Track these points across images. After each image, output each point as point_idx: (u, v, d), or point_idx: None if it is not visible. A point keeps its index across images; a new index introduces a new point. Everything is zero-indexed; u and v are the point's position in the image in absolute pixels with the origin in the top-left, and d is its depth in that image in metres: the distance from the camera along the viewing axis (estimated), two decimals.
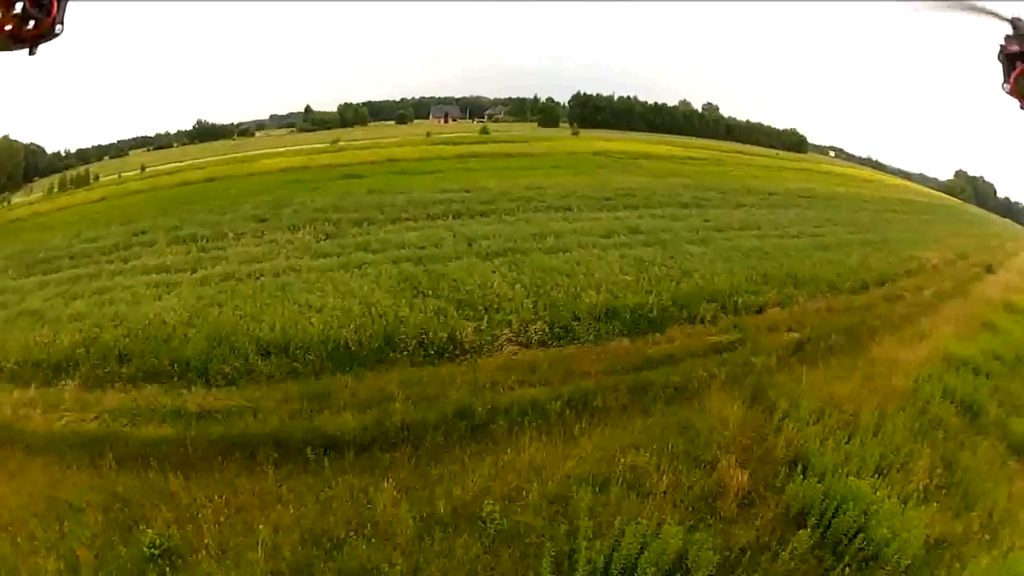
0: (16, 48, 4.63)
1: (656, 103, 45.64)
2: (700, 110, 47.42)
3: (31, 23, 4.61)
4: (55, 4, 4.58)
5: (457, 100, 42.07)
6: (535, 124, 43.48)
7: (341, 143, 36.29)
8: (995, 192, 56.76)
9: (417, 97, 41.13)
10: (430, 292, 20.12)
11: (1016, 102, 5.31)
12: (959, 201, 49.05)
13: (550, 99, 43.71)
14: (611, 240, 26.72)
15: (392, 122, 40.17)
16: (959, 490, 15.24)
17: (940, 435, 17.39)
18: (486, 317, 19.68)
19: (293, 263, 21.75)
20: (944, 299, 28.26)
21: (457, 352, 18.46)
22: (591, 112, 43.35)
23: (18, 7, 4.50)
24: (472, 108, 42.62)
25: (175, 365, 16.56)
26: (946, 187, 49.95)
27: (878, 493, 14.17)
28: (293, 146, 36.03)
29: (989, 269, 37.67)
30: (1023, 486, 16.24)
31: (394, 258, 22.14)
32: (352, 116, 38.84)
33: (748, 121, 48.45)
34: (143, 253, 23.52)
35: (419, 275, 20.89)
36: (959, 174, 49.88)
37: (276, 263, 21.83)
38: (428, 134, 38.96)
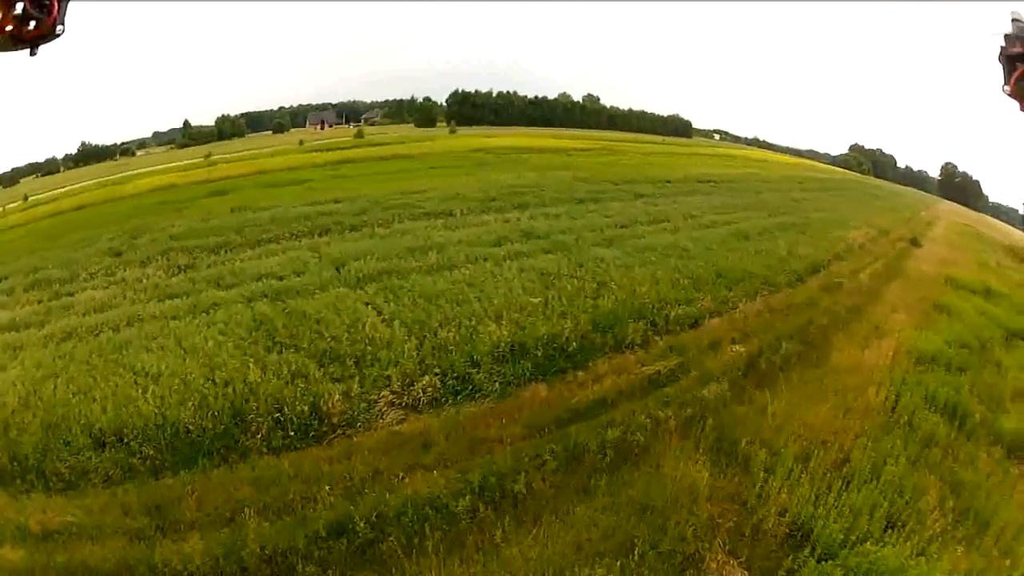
0: (17, 49, 4.80)
1: (537, 96, 47.90)
2: (581, 101, 49.95)
3: (32, 24, 4.74)
4: (55, 5, 4.72)
5: (334, 106, 44.14)
6: (412, 125, 44.79)
7: (214, 157, 36.70)
8: (895, 163, 62.40)
9: (295, 105, 43.07)
10: (288, 342, 17.12)
11: (1016, 104, 5.44)
12: (860, 175, 52.16)
13: (427, 99, 45.75)
14: (504, 249, 23.74)
15: (270, 132, 41.61)
16: (970, 515, 13.89)
17: (937, 455, 15.64)
18: (358, 375, 15.87)
19: (138, 310, 19.64)
20: (883, 281, 27.62)
21: (324, 429, 14.68)
22: (470, 109, 45.17)
23: (19, 8, 4.60)
24: (349, 113, 44.63)
25: (14, 463, 13.97)
26: (841, 161, 53.08)
27: (906, 561, 11.73)
28: (170, 163, 36.99)
29: (915, 242, 39.15)
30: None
31: (249, 295, 19.82)
32: (229, 128, 40.30)
33: (631, 109, 51.69)
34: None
35: (275, 318, 18.17)
36: (854, 148, 53.53)
37: (120, 311, 19.72)
38: (301, 142, 39.69)
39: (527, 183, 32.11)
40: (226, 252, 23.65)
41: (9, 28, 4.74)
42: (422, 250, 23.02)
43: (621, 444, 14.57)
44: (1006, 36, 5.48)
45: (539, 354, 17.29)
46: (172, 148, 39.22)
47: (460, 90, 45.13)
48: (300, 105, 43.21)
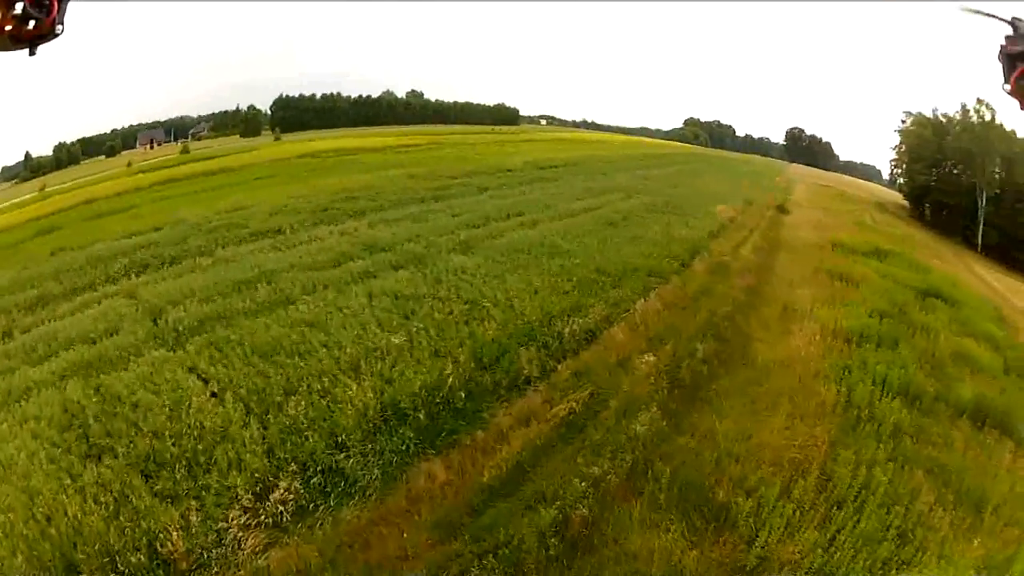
0: (16, 48, 4.93)
1: (360, 96, 50.06)
2: (405, 98, 52.57)
3: (31, 23, 4.82)
4: (55, 4, 4.82)
5: (163, 123, 44.79)
6: (238, 136, 45.91)
7: (48, 190, 36.40)
8: (734, 132, 66.51)
9: (127, 126, 43.28)
10: (103, 443, 12.83)
11: (1017, 103, 5.68)
12: (699, 147, 54.66)
13: (252, 107, 47.17)
14: (346, 270, 20.40)
15: (103, 157, 41.52)
16: (965, 500, 13.11)
17: (911, 445, 14.53)
18: (194, 489, 11.68)
19: None
20: (767, 255, 27.27)
21: None
22: (295, 115, 47.22)
23: (18, 7, 4.70)
24: (177, 130, 45.23)
25: None
26: (677, 135, 55.09)
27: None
28: (9, 200, 36.20)
29: (782, 209, 41.29)
30: (1005, 458, 15.09)
31: (61, 370, 15.66)
32: (66, 156, 40.29)
33: (455, 102, 53.62)
34: None
35: (88, 407, 13.88)
36: (689, 121, 55.94)
37: None
38: (129, 163, 39.68)
39: (359, 186, 30.29)
40: (43, 308, 20.50)
41: (8, 28, 4.71)
42: (250, 283, 19.61)
43: (563, 526, 11.33)
44: (1007, 35, 5.58)
45: (420, 416, 13.59)
46: (16, 183, 38.80)
47: (284, 95, 46.73)
48: (131, 126, 43.51)
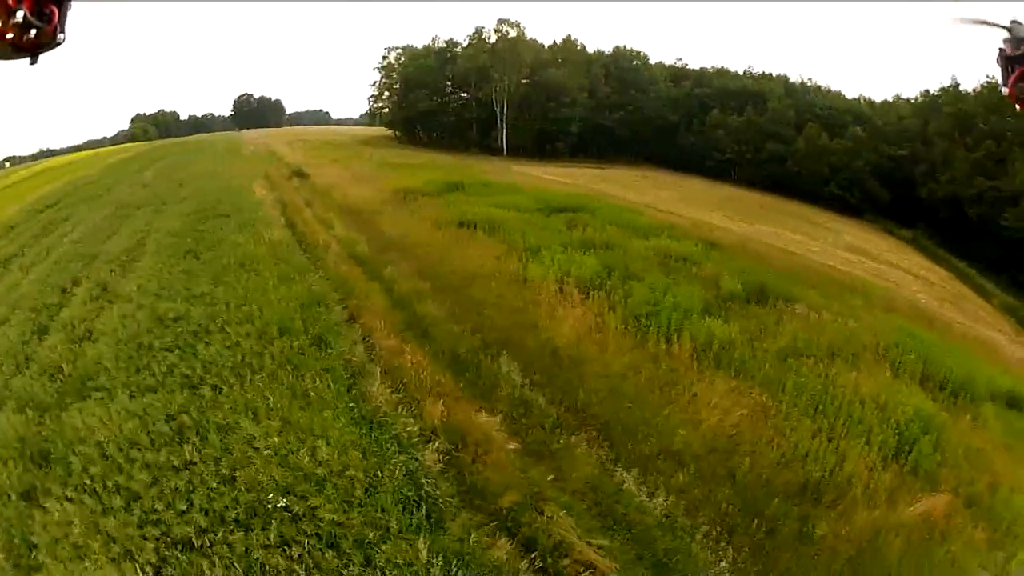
0: (18, 57, 4.78)
1: None
2: None
3: (32, 32, 4.65)
4: (56, 12, 4.65)
5: None
6: None
7: None
8: (178, 117, 58.90)
9: None
10: None
11: (1017, 106, 5.80)
12: (154, 141, 47.21)
13: None
14: None
15: None
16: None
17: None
18: None
19: None
20: (361, 226, 25.93)
21: None
22: None
23: (19, 15, 4.51)
24: None
25: None
26: (129, 136, 47.24)
27: None
28: None
29: (302, 174, 39.67)
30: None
31: None
32: None
33: None
34: None
35: None
36: (137, 118, 48.07)
37: None
38: None
39: None
40: None
41: (10, 36, 4.58)
42: None
43: None
44: (1004, 38, 5.66)
45: None
46: None
47: None
48: None
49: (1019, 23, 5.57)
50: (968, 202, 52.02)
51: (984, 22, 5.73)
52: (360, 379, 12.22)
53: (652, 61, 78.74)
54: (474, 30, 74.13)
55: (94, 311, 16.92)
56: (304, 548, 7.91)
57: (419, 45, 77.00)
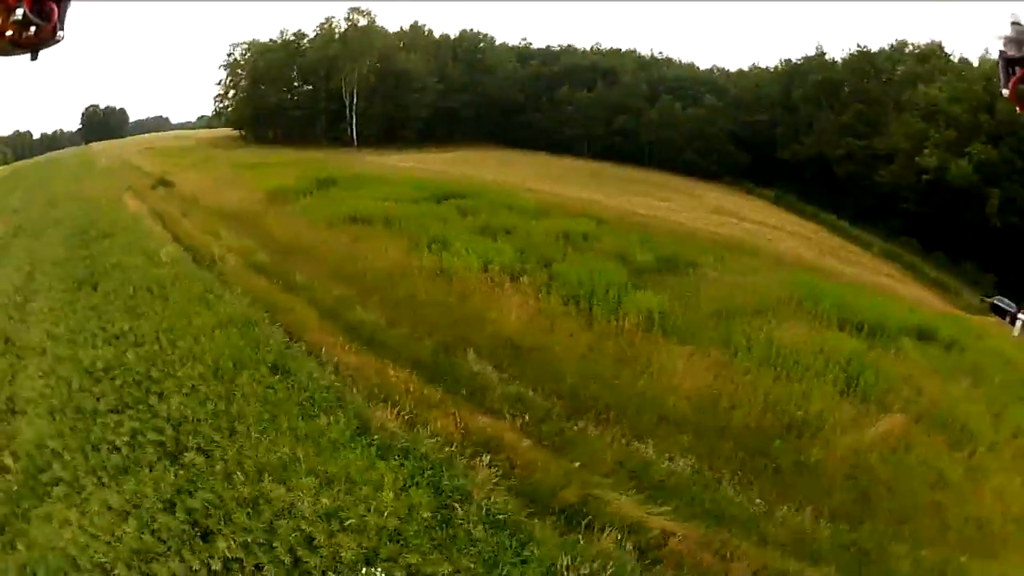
0: (17, 53, 4.99)
1: None
2: None
3: (32, 29, 4.87)
4: (55, 10, 4.87)
5: None
6: None
7: None
8: (31, 137, 54.05)
9: None
10: None
11: (1017, 108, 5.86)
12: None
13: None
14: None
15: None
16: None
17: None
18: None
19: None
20: (243, 230, 25.27)
21: None
22: None
23: (19, 13, 4.73)
24: None
25: None
26: None
27: None
28: None
29: (166, 183, 38.91)
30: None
31: None
32: None
33: None
34: None
35: None
36: None
37: None
38: None
39: None
40: None
41: (9, 33, 4.77)
42: None
43: None
44: (1005, 40, 5.65)
45: None
46: None
47: None
48: None
49: (1019, 24, 5.56)
50: (836, 161, 56.93)
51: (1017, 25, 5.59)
52: (349, 405, 11.06)
53: (499, 42, 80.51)
54: (324, 20, 72.36)
55: (5, 373, 14.17)
56: None
57: (266, 39, 74.16)
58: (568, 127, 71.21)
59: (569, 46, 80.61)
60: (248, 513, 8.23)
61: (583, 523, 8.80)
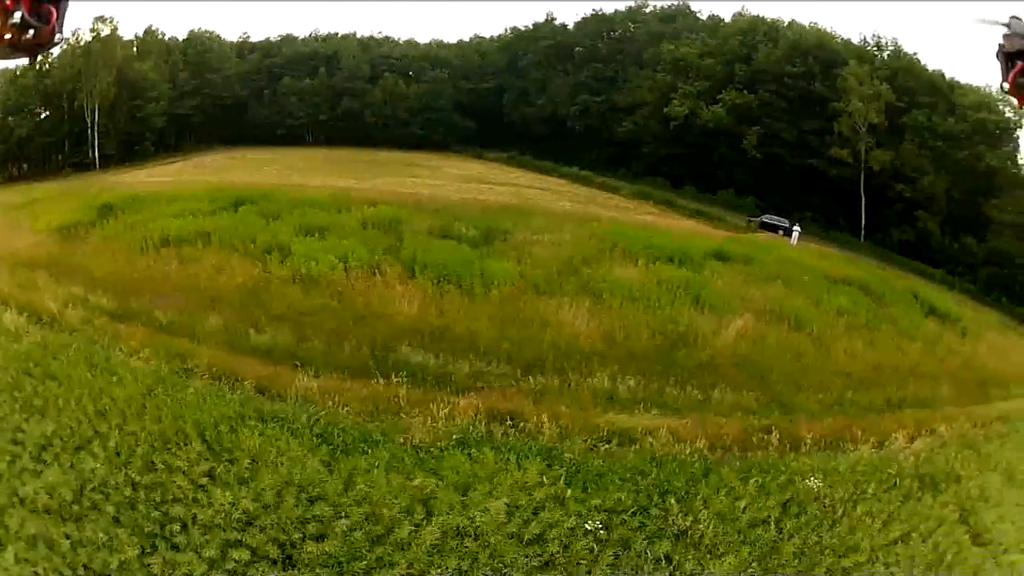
0: (16, 56, 5.14)
1: None
2: None
3: (30, 32, 4.88)
4: (54, 13, 4.98)
5: None
6: None
7: None
8: None
9: None
10: None
11: (1015, 101, 5.96)
12: None
13: None
14: None
15: None
16: None
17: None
18: None
19: None
20: None
21: None
22: None
23: (17, 16, 4.77)
24: None
25: None
26: None
27: None
28: None
29: None
30: None
31: None
32: None
33: None
34: None
35: None
36: None
37: None
38: None
39: None
40: None
41: (8, 36, 4.81)
42: None
43: None
44: (1004, 34, 5.67)
45: None
46: None
47: None
48: None
49: (1018, 19, 5.65)
50: (572, 118, 60.46)
51: (990, 21, 5.78)
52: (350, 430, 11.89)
53: (225, 39, 76.11)
54: (71, 32, 62.50)
55: None
56: None
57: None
58: (291, 118, 70.27)
59: (289, 35, 78.76)
60: None
61: None
